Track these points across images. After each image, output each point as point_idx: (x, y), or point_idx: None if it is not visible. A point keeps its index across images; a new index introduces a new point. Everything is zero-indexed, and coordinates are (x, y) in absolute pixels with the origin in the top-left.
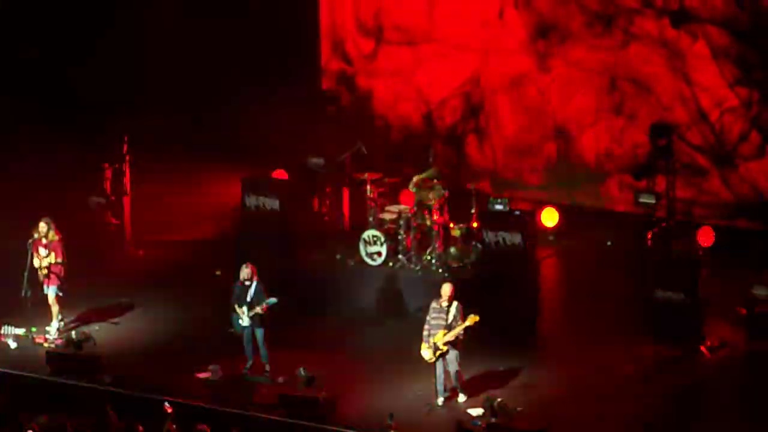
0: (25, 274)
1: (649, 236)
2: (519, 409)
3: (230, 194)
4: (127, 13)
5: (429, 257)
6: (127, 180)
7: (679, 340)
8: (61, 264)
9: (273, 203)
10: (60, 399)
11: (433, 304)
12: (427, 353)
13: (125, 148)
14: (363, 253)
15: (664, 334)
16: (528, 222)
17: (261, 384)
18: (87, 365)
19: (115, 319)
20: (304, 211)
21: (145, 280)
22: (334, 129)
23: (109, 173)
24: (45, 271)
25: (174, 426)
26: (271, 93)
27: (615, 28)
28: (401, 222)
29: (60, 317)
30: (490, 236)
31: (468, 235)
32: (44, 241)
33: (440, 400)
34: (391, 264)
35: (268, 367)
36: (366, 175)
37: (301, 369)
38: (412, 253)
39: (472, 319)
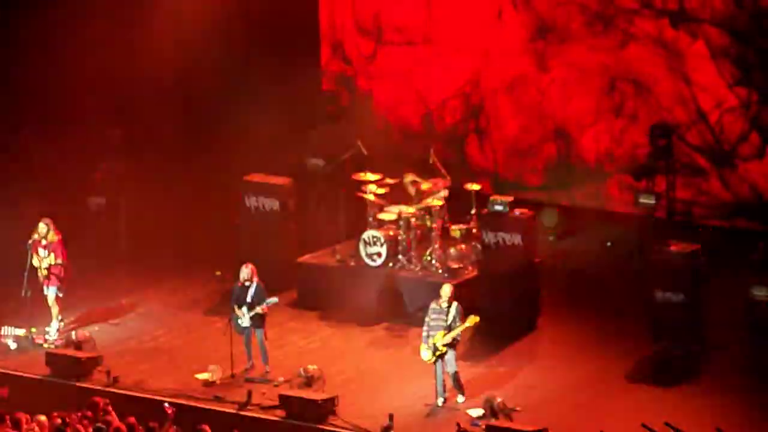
0: (25, 274)
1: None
2: (519, 409)
3: (231, 195)
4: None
5: (429, 258)
6: (124, 180)
7: (679, 340)
8: (61, 265)
9: (273, 204)
10: (60, 399)
11: (433, 305)
12: (426, 354)
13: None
14: (363, 254)
15: (664, 335)
16: (528, 223)
17: (261, 384)
18: (87, 366)
19: (115, 320)
20: (304, 211)
21: (145, 280)
22: (334, 130)
23: (106, 174)
24: (45, 272)
25: (174, 427)
26: (271, 93)
27: (614, 28)
28: (401, 223)
29: (60, 318)
30: (490, 237)
31: (468, 235)
32: (44, 242)
33: (440, 401)
34: (391, 264)
35: (268, 368)
36: (366, 176)
37: (301, 370)
38: (412, 253)
39: (472, 320)
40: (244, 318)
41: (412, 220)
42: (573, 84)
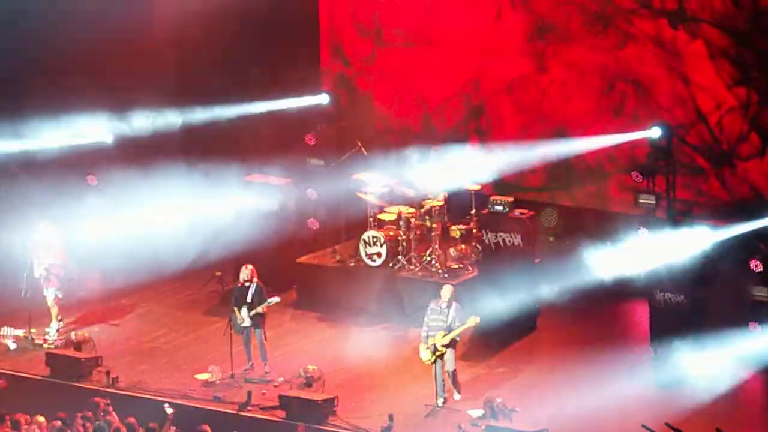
0: (25, 275)
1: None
2: (518, 409)
3: (230, 195)
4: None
5: (429, 258)
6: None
7: (680, 342)
8: (61, 266)
9: (273, 204)
10: (59, 400)
11: (432, 306)
12: (425, 354)
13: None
14: (363, 254)
15: (664, 335)
16: (528, 223)
17: (261, 385)
18: (86, 366)
19: (115, 321)
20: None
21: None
22: (334, 130)
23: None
24: (45, 273)
25: (174, 428)
26: (271, 94)
27: (613, 28)
28: (401, 223)
29: (59, 318)
30: (490, 237)
31: (468, 236)
32: (44, 243)
33: (440, 401)
34: (391, 265)
35: (267, 368)
36: (366, 177)
37: (301, 370)
38: (412, 254)
39: (473, 321)
40: (245, 318)
41: (412, 220)
42: (572, 84)
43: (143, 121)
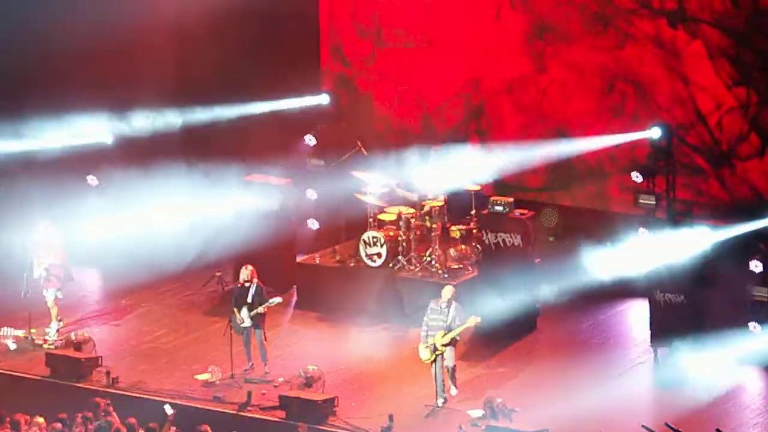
0: (25, 276)
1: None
2: (518, 409)
3: (230, 195)
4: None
5: (429, 258)
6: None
7: (680, 342)
8: (61, 266)
9: (273, 204)
10: (59, 400)
11: (432, 305)
12: (424, 353)
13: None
14: (363, 254)
15: (664, 335)
16: (528, 223)
17: (261, 385)
18: (86, 366)
19: (115, 321)
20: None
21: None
22: (334, 130)
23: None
24: (45, 273)
25: (174, 428)
26: (271, 94)
27: (613, 28)
28: (401, 223)
29: (59, 319)
30: (490, 237)
31: (468, 236)
32: (44, 243)
33: (440, 401)
34: (391, 265)
35: (267, 368)
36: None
37: (301, 370)
38: (412, 254)
39: (473, 321)
40: (245, 319)
41: (412, 220)
42: (572, 84)
43: (143, 121)
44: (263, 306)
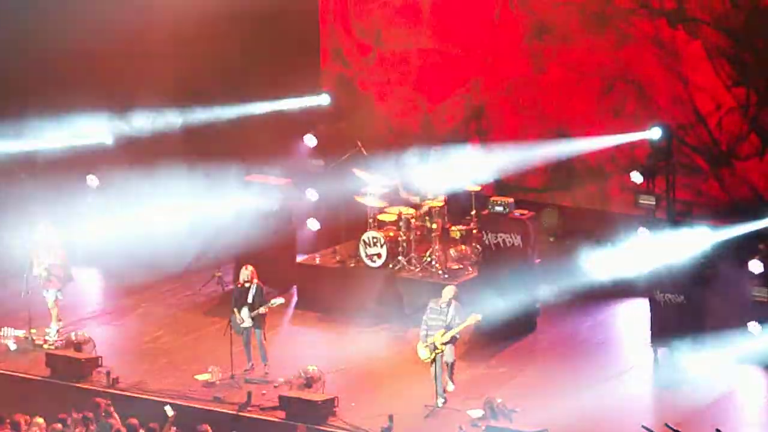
0: (25, 276)
1: None
2: (518, 409)
3: (230, 195)
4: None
5: (429, 259)
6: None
7: (680, 342)
8: (61, 266)
9: (273, 204)
10: (60, 401)
11: (431, 305)
12: (423, 353)
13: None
14: (363, 255)
15: (664, 335)
16: (528, 224)
17: (261, 385)
18: (86, 367)
19: (115, 321)
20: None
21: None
22: (334, 131)
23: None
24: (45, 274)
25: (174, 428)
26: (271, 94)
27: (613, 29)
28: (401, 224)
29: (59, 319)
30: (490, 238)
31: (468, 236)
32: (44, 243)
33: (440, 401)
34: (391, 265)
35: (267, 369)
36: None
37: (301, 370)
38: (412, 254)
39: (473, 318)
40: (246, 319)
41: (412, 221)
42: (572, 85)
43: (143, 121)
44: (265, 306)
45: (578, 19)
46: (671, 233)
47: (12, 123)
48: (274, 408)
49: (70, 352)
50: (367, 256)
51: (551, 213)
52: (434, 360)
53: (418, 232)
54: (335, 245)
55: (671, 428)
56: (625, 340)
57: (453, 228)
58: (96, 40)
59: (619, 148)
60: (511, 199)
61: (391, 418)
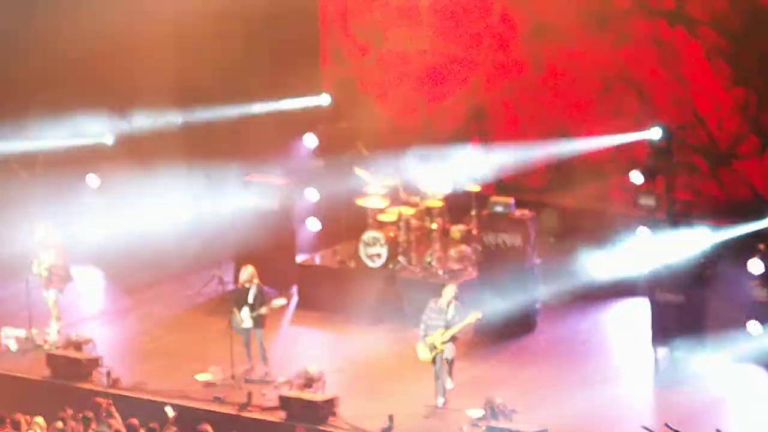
0: (26, 276)
1: None
2: (518, 409)
3: (230, 195)
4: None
5: (429, 259)
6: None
7: (680, 342)
8: (61, 266)
9: (273, 204)
10: (60, 401)
11: (431, 305)
12: (424, 353)
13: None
14: (363, 255)
15: (664, 335)
16: (528, 224)
17: (261, 385)
18: (87, 367)
19: (115, 321)
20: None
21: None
22: (334, 131)
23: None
24: (45, 274)
25: (174, 428)
26: (271, 94)
27: (612, 28)
28: (401, 224)
29: (59, 319)
30: (490, 238)
31: (468, 236)
32: (44, 244)
33: (440, 401)
34: (391, 266)
35: (267, 369)
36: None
37: (301, 370)
38: (413, 254)
39: (474, 316)
40: (246, 319)
41: (412, 221)
42: (573, 84)
43: (143, 121)
44: (267, 307)
45: (578, 19)
46: (671, 233)
47: (12, 123)
48: (274, 408)
49: (71, 352)
50: (367, 256)
51: (551, 213)
52: (434, 360)
53: (419, 232)
54: (335, 245)
55: (671, 428)
56: (625, 340)
57: (453, 228)
58: (96, 40)
59: (619, 148)
60: (511, 199)
61: (391, 417)
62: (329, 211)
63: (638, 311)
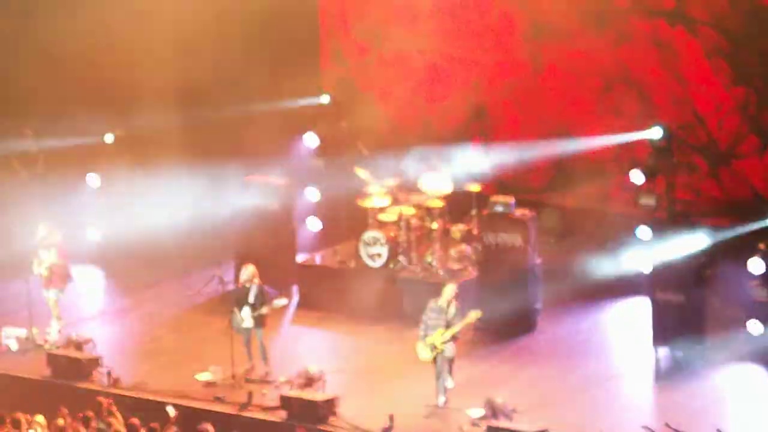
0: (26, 276)
1: None
2: (518, 409)
3: (230, 195)
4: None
5: (429, 259)
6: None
7: (680, 342)
8: (62, 266)
9: (273, 204)
10: (61, 401)
11: (431, 305)
12: (424, 353)
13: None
14: (363, 255)
15: (664, 335)
16: (529, 224)
17: (261, 385)
18: (87, 367)
19: (116, 321)
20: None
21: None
22: (334, 131)
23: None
24: (46, 273)
25: (175, 428)
26: (271, 95)
27: (612, 28)
28: (401, 224)
29: (60, 319)
30: (490, 238)
31: (468, 236)
32: (44, 243)
33: (441, 401)
34: (391, 265)
35: (268, 368)
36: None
37: (302, 370)
38: (413, 254)
39: (474, 315)
40: (247, 319)
41: (413, 221)
42: (572, 84)
43: (143, 121)
44: (268, 307)
45: (578, 19)
46: (671, 233)
47: (13, 122)
48: (275, 408)
49: (71, 352)
50: (367, 255)
51: (551, 213)
52: (435, 360)
53: (419, 232)
54: (335, 245)
55: (672, 428)
56: (625, 340)
57: (453, 228)
58: (96, 40)
59: (619, 148)
60: (512, 199)
61: (391, 417)
62: (329, 211)
63: (638, 311)
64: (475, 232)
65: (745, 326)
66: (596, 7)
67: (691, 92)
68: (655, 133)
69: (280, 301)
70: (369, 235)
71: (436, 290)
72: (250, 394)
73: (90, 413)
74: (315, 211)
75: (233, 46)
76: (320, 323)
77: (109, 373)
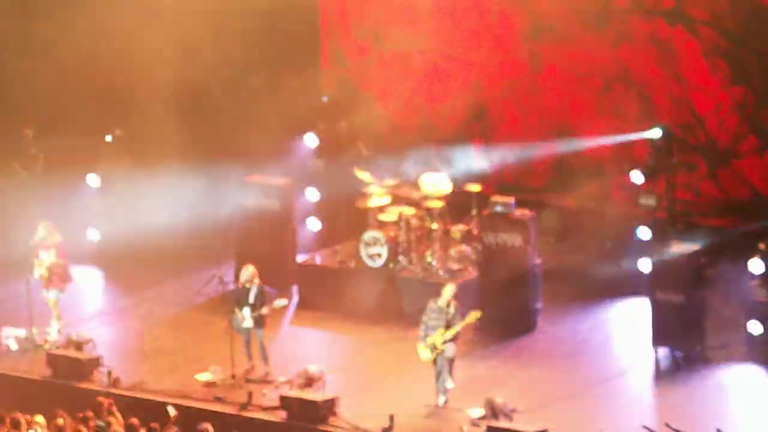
0: (26, 276)
1: None
2: (518, 409)
3: (230, 195)
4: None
5: (429, 259)
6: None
7: (680, 342)
8: (62, 266)
9: (273, 204)
10: (61, 401)
11: (431, 305)
12: (424, 353)
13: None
14: (363, 255)
15: (664, 335)
16: (529, 224)
17: (261, 385)
18: (87, 367)
19: (116, 321)
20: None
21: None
22: (334, 131)
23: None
24: (46, 273)
25: (175, 428)
26: (271, 95)
27: (611, 28)
28: (401, 224)
29: (60, 319)
30: (490, 238)
31: (468, 236)
32: (44, 243)
33: (441, 400)
34: (391, 265)
35: (268, 368)
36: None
37: (302, 370)
38: (413, 254)
39: (474, 315)
40: (247, 319)
41: (413, 221)
42: (572, 84)
43: (143, 121)
44: (268, 307)
45: (578, 19)
46: (671, 233)
47: (13, 121)
48: (275, 408)
49: (71, 352)
50: (367, 255)
51: (551, 213)
52: (435, 360)
53: (419, 232)
54: (335, 245)
55: (672, 428)
56: (625, 340)
57: (453, 228)
58: (97, 40)
59: (619, 148)
60: (512, 199)
61: (391, 417)
62: (329, 211)
63: (638, 311)
64: (475, 232)
65: (745, 326)
66: (596, 7)
67: (690, 92)
68: (655, 133)
69: (281, 302)
70: (369, 235)
71: (436, 290)
72: (250, 394)
73: (90, 413)
74: (315, 211)
75: (233, 46)
76: (320, 323)
77: (109, 373)
